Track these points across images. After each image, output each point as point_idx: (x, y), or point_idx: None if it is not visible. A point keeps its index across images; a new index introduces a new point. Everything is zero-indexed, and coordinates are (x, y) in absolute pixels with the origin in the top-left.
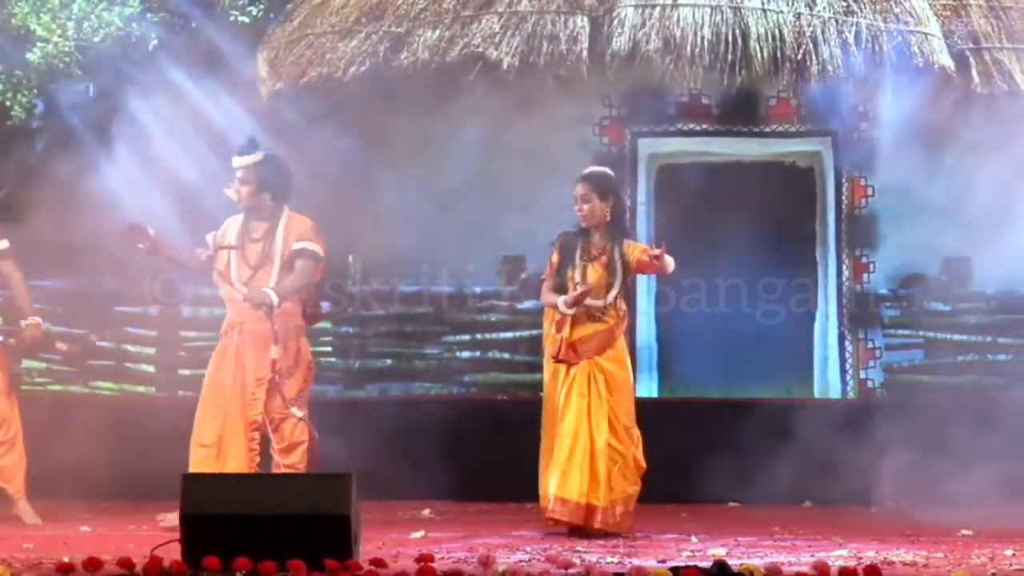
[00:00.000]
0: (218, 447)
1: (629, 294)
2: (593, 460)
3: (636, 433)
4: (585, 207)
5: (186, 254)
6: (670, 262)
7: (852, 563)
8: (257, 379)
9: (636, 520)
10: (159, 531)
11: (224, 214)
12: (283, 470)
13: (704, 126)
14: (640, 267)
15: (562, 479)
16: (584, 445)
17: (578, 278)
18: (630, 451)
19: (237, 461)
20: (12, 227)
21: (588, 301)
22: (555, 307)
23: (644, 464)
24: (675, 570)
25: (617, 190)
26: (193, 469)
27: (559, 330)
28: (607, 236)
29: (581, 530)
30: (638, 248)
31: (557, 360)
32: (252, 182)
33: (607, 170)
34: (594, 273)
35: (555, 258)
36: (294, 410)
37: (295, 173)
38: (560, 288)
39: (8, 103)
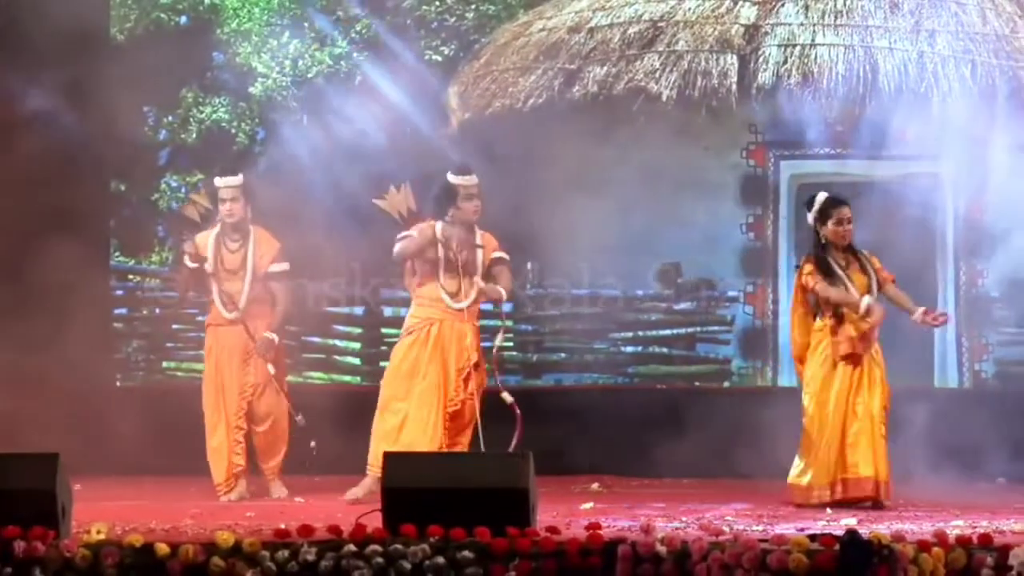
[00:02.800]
0: (403, 423)
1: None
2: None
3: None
4: (851, 228)
5: None
6: None
7: (968, 532)
8: (458, 369)
9: (779, 493)
10: (364, 503)
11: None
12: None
13: (838, 150)
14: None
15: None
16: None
17: (852, 284)
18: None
19: (424, 435)
20: None
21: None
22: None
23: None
24: (812, 537)
25: None
26: (382, 429)
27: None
28: (846, 249)
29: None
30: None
31: (844, 357)
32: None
33: None
34: (858, 279)
35: (816, 277)
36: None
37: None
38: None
39: (233, 131)
